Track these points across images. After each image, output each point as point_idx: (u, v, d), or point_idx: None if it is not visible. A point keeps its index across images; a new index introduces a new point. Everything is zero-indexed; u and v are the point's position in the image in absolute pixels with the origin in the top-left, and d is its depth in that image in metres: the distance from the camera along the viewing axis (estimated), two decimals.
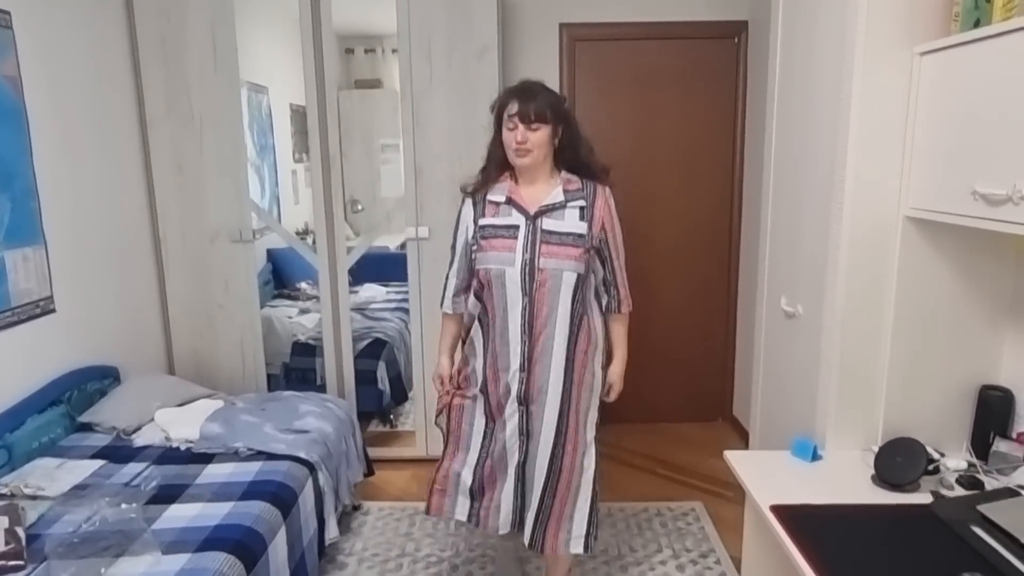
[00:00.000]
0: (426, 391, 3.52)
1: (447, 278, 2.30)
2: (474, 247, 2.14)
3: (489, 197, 2.14)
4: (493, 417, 2.20)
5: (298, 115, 5.18)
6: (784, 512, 1.57)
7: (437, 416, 2.36)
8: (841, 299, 1.84)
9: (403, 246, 3.46)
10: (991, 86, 1.45)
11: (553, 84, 3.73)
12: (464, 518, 2.28)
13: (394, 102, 3.27)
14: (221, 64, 3.21)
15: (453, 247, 2.28)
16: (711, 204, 3.88)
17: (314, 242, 3.53)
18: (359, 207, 6.41)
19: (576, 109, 3.80)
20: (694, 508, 3.11)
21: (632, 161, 3.83)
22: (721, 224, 3.90)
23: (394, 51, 3.26)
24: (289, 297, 4.76)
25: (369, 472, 3.09)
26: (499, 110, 2.10)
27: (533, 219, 2.06)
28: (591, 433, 2.22)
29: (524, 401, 2.12)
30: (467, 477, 2.25)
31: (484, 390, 2.20)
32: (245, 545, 1.95)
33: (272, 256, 4.87)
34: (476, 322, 2.22)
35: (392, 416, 4.02)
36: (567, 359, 2.10)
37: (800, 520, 1.54)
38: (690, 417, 4.07)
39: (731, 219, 3.88)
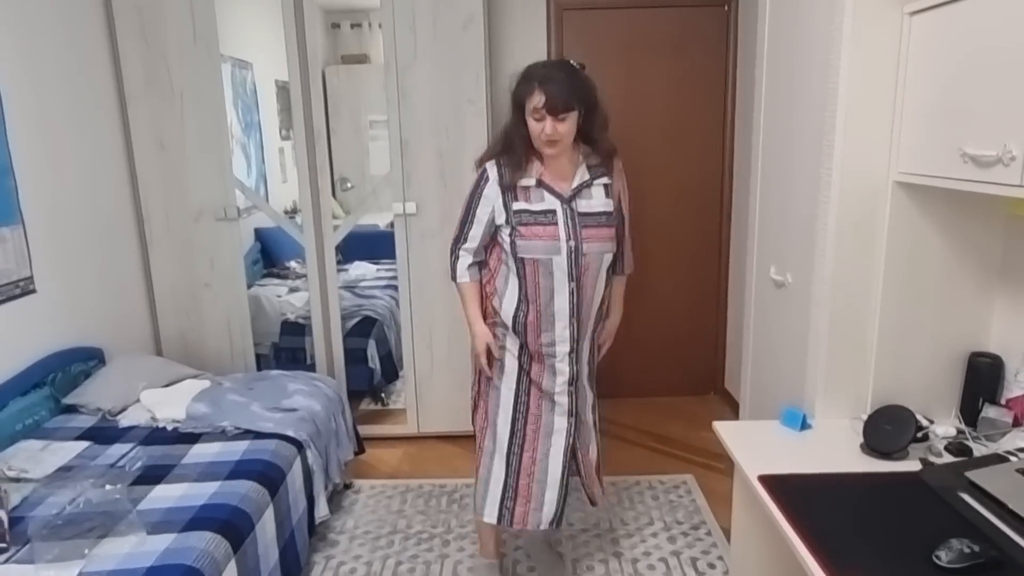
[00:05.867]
0: (416, 369, 3.50)
1: (456, 250, 2.18)
2: (508, 232, 2.07)
3: (520, 182, 2.06)
4: (532, 399, 2.19)
5: (284, 92, 5.11)
6: (772, 482, 1.56)
7: (474, 413, 2.35)
8: (830, 267, 1.81)
9: (393, 224, 3.41)
10: (981, 44, 1.41)
11: (541, 54, 3.69)
12: (495, 520, 2.26)
13: (381, 77, 3.20)
14: (200, 36, 3.14)
15: (465, 220, 2.14)
16: (702, 175, 3.84)
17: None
18: (348, 185, 6.33)
19: None
20: (685, 481, 3.11)
21: (621, 131, 3.70)
22: (712, 195, 3.86)
23: (380, 25, 3.17)
24: (278, 276, 4.72)
25: (360, 450, 3.08)
26: (521, 97, 2.02)
27: (568, 202, 2.05)
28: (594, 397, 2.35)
29: (574, 382, 2.17)
30: (500, 477, 2.24)
31: (521, 368, 2.17)
32: (232, 524, 1.94)
33: (260, 235, 4.83)
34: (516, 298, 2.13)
35: (383, 394, 4.00)
36: (593, 332, 2.21)
37: (788, 489, 1.53)
38: (682, 391, 4.06)
39: (722, 190, 3.84)
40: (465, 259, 2.17)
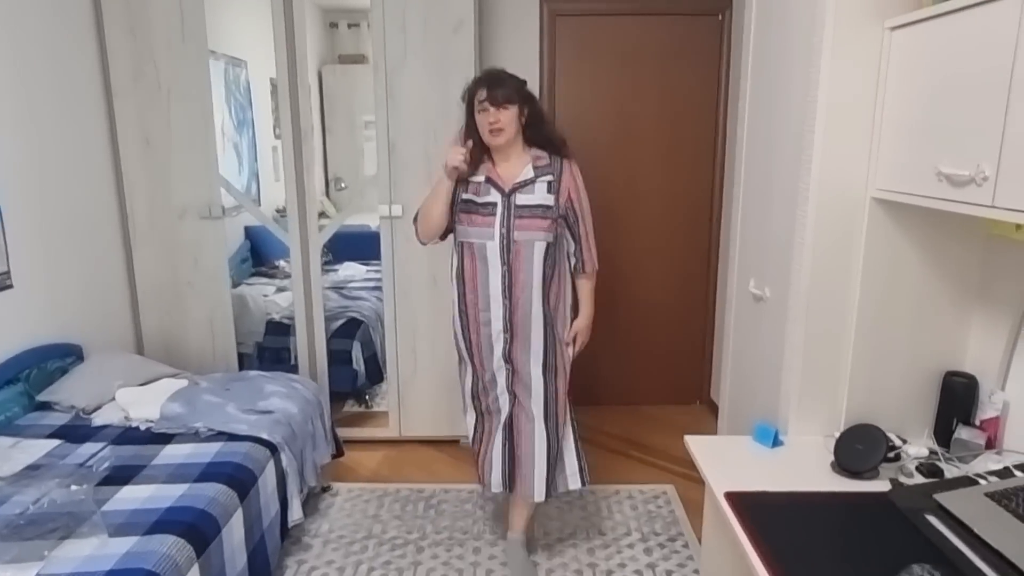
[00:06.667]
0: (399, 372, 3.47)
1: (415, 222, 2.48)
2: (455, 220, 2.36)
3: (471, 177, 2.34)
4: (480, 374, 2.44)
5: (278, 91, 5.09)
6: (738, 499, 1.53)
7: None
8: (806, 282, 1.79)
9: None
10: (958, 62, 1.39)
11: (532, 60, 3.69)
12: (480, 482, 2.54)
13: None
14: (189, 33, 3.12)
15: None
16: (692, 184, 3.83)
17: None
18: (342, 185, 6.32)
19: (556, 86, 3.75)
20: (666, 491, 3.09)
21: (612, 140, 3.77)
22: (702, 205, 3.85)
23: (369, 25, 3.16)
24: (267, 275, 4.69)
25: (338, 453, 3.05)
26: (470, 98, 2.32)
27: (508, 195, 2.29)
28: (565, 384, 2.46)
29: (509, 360, 2.37)
30: (474, 448, 2.53)
31: (468, 351, 2.43)
32: (196, 528, 1.91)
33: (250, 233, 4.80)
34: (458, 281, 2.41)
35: (367, 396, 3.98)
36: (544, 318, 2.35)
37: (754, 507, 1.51)
38: (668, 400, 4.04)
39: (712, 200, 3.83)
40: None
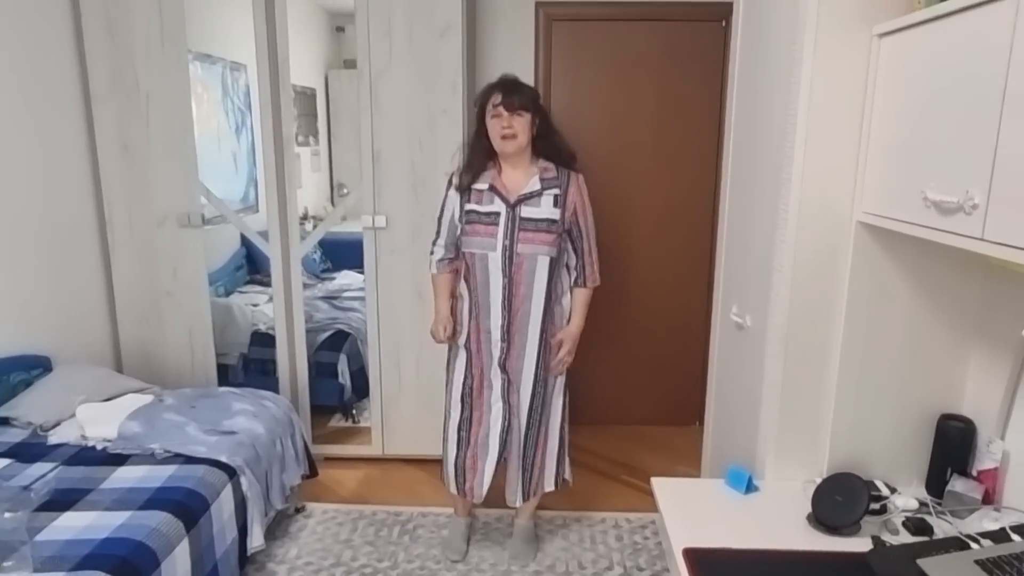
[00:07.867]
0: (383, 388, 3.35)
1: (433, 249, 2.52)
2: (459, 229, 2.40)
3: (474, 185, 2.36)
4: (475, 376, 2.46)
5: (300, 97, 5.02)
6: (697, 557, 1.38)
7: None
8: (785, 311, 1.63)
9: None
10: (948, 73, 1.23)
11: (527, 66, 3.55)
12: (455, 491, 2.58)
13: None
14: (168, 35, 3.03)
15: (439, 221, 2.50)
16: (693, 198, 3.66)
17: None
18: (344, 191, 6.23)
19: (552, 93, 3.61)
20: (654, 520, 2.92)
21: (610, 150, 3.62)
22: (703, 219, 3.67)
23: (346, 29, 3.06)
24: (262, 283, 4.60)
25: (311, 473, 2.93)
26: (483, 104, 2.34)
27: (513, 207, 2.30)
28: (559, 392, 2.51)
29: (505, 369, 2.41)
30: (452, 452, 2.54)
31: (467, 348, 2.46)
32: (129, 563, 1.79)
33: (246, 241, 4.71)
34: (464, 284, 2.47)
35: (354, 411, 3.86)
36: (542, 331, 2.38)
37: (714, 568, 1.35)
38: (666, 420, 3.87)
39: (714, 215, 3.64)
40: (438, 253, 2.49)
